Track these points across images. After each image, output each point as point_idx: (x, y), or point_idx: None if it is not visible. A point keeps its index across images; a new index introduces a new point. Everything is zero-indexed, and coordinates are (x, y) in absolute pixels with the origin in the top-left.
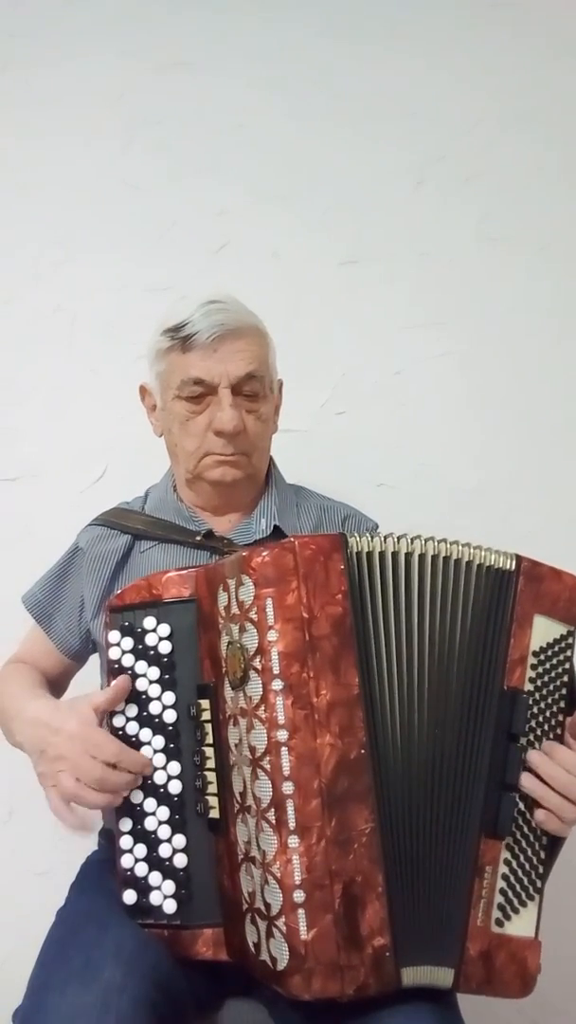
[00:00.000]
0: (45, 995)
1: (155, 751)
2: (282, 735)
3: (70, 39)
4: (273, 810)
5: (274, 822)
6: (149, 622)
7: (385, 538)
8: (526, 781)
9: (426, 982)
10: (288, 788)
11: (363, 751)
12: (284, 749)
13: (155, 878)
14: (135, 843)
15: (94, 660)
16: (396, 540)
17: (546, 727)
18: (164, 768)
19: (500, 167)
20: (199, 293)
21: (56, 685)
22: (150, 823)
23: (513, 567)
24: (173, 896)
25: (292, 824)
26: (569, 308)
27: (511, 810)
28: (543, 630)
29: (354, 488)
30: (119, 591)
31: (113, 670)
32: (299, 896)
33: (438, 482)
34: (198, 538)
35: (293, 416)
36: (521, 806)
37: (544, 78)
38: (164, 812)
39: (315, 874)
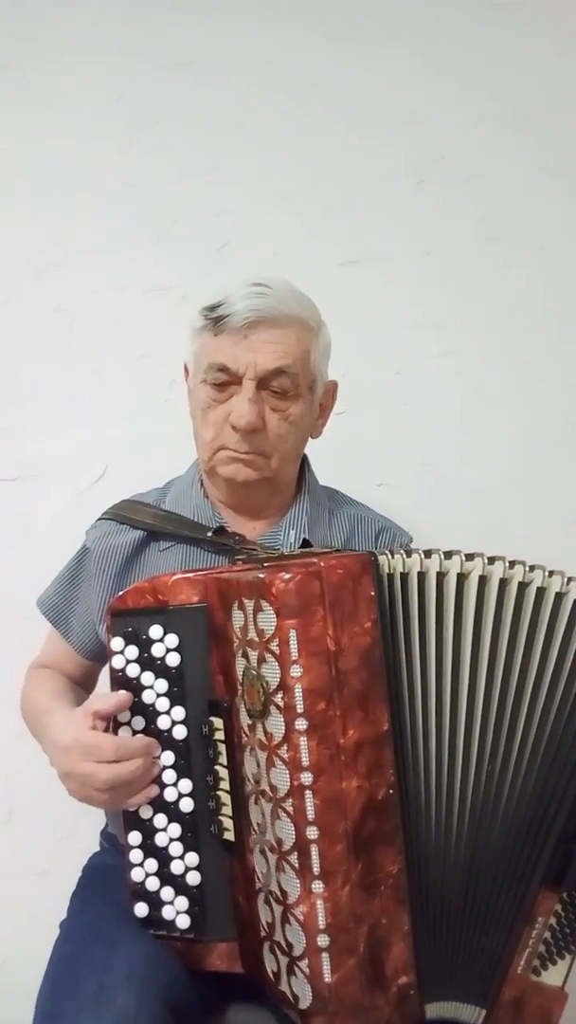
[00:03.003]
0: None
1: (165, 767)
2: (306, 778)
3: (70, 39)
4: (296, 854)
5: (297, 867)
6: (155, 631)
7: (428, 554)
8: None
9: (450, 1016)
10: (312, 833)
11: (391, 791)
12: (308, 793)
13: (167, 893)
14: (145, 857)
15: None
16: (443, 558)
17: None
18: (175, 785)
19: (500, 167)
20: (249, 273)
21: (83, 686)
22: (161, 839)
23: None
24: (187, 912)
25: (316, 870)
26: (569, 308)
27: None
28: None
29: (354, 488)
30: (121, 593)
31: (118, 679)
32: (323, 941)
33: (438, 482)
34: (209, 534)
35: None
36: None
37: (544, 78)
38: (176, 829)
39: (340, 918)
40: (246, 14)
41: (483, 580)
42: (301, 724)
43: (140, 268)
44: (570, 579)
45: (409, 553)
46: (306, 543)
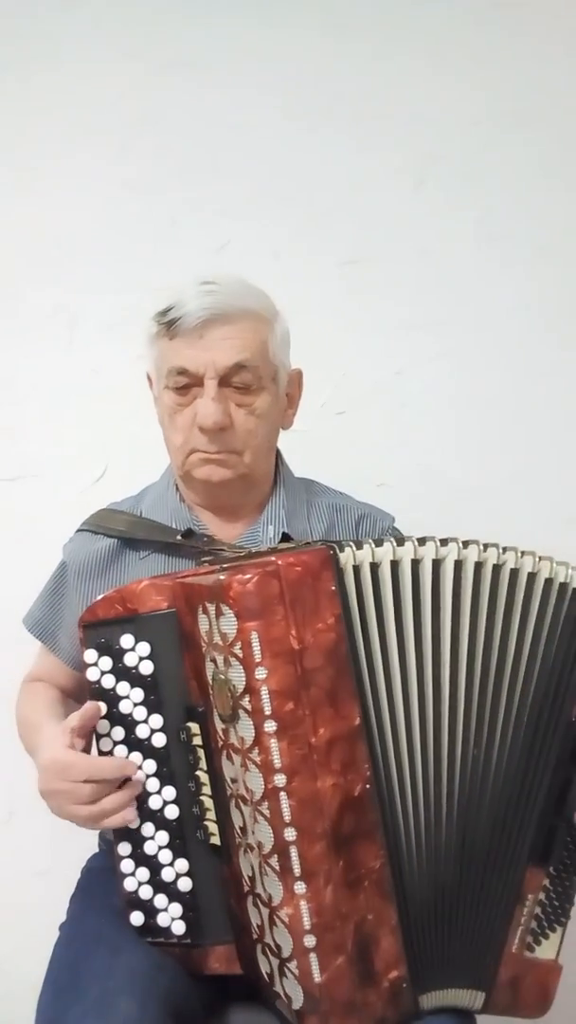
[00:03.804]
0: None
1: (148, 776)
2: (280, 780)
3: (70, 40)
4: (276, 856)
5: (278, 868)
6: (127, 640)
7: (401, 542)
8: None
9: (450, 1004)
10: (290, 834)
11: (368, 786)
12: (283, 794)
13: (161, 900)
14: (136, 867)
15: None
16: (417, 544)
17: None
18: (159, 793)
19: (500, 167)
20: (196, 272)
21: (76, 698)
22: (150, 847)
23: None
24: (181, 918)
25: (297, 871)
26: (569, 308)
27: (564, 841)
28: None
29: (354, 488)
30: (90, 605)
31: (94, 691)
32: (310, 941)
33: (438, 482)
34: (178, 537)
35: None
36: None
37: (544, 78)
38: (163, 837)
39: (325, 917)
40: (246, 14)
41: (459, 565)
42: (270, 726)
43: (140, 268)
44: (541, 558)
45: (380, 543)
46: (286, 536)
